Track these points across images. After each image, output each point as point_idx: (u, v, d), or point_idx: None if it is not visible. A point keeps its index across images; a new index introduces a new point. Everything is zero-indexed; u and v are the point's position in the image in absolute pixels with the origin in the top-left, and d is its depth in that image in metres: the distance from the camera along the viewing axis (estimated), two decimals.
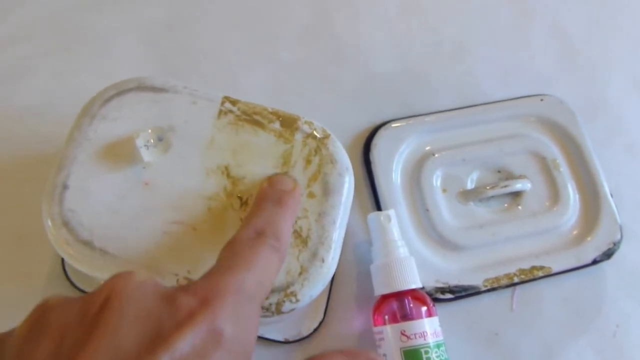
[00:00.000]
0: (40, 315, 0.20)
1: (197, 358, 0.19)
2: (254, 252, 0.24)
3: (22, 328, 0.20)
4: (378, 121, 0.44)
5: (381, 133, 0.42)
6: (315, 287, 0.29)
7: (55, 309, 0.20)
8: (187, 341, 0.19)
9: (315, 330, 0.37)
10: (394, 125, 0.43)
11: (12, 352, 0.20)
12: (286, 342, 0.36)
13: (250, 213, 0.27)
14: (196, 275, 0.27)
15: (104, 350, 0.19)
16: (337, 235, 0.30)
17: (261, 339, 0.36)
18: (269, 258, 0.25)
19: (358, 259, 0.40)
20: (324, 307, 0.37)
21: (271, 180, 0.30)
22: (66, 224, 0.28)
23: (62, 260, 0.36)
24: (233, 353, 0.20)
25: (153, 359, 0.18)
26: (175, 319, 0.20)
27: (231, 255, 0.24)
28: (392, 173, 0.41)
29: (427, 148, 0.43)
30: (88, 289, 0.35)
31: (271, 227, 0.26)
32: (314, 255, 0.29)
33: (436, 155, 0.42)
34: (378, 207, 0.41)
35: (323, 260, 0.29)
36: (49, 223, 0.28)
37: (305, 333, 0.37)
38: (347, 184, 0.31)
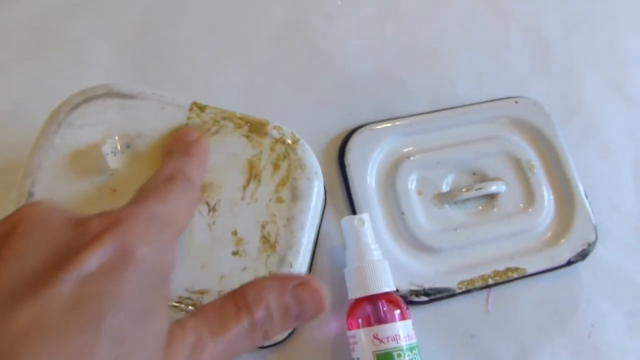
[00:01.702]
0: None
1: (106, 274, 0.19)
2: (165, 190, 0.24)
3: None
4: (353, 125, 0.44)
5: (356, 136, 0.42)
6: None
7: None
8: (95, 258, 0.19)
9: (290, 335, 0.37)
10: (369, 128, 0.43)
11: None
12: (260, 347, 0.36)
13: (160, 165, 0.28)
14: None
15: (6, 273, 0.18)
16: (305, 240, 0.30)
17: None
18: (180, 196, 0.25)
19: (333, 263, 0.40)
20: None
21: (176, 133, 0.30)
22: None
23: None
24: (146, 271, 0.20)
25: (59, 276, 0.18)
26: (83, 239, 0.20)
27: (141, 192, 0.24)
28: (367, 176, 0.42)
29: (403, 151, 0.43)
30: None
31: (181, 173, 0.26)
32: (282, 260, 0.29)
33: (411, 158, 0.42)
34: (353, 211, 0.41)
35: (291, 265, 0.29)
36: None
37: (279, 338, 0.36)
38: (316, 189, 0.31)
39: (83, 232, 0.20)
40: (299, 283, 0.25)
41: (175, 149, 0.28)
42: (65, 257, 0.19)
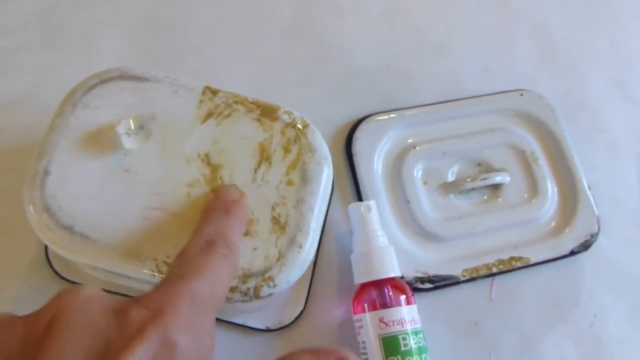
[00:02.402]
0: None
1: None
2: (206, 261, 0.24)
3: None
4: (360, 115, 0.45)
5: (363, 126, 0.43)
6: (292, 272, 0.29)
7: None
8: (138, 355, 0.18)
9: (297, 318, 0.37)
10: (376, 118, 0.43)
11: None
12: (268, 331, 0.37)
13: (198, 225, 0.27)
14: None
15: None
16: (315, 222, 0.30)
17: (243, 327, 0.36)
18: (221, 266, 0.24)
19: (339, 249, 0.40)
20: (305, 296, 0.38)
21: (217, 191, 0.29)
22: (47, 209, 0.28)
23: (46, 248, 0.37)
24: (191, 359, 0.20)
25: None
26: (125, 333, 0.19)
27: (183, 264, 0.24)
28: (374, 165, 0.42)
29: (409, 141, 0.44)
30: (70, 277, 0.36)
31: (221, 236, 0.26)
32: (292, 241, 0.30)
33: (417, 148, 0.43)
34: (360, 199, 0.41)
35: (301, 247, 0.30)
36: (31, 208, 0.29)
37: (286, 321, 0.37)
38: (326, 173, 0.31)
39: (124, 325, 0.19)
40: (336, 357, 0.24)
41: (216, 208, 0.28)
42: (108, 354, 0.18)
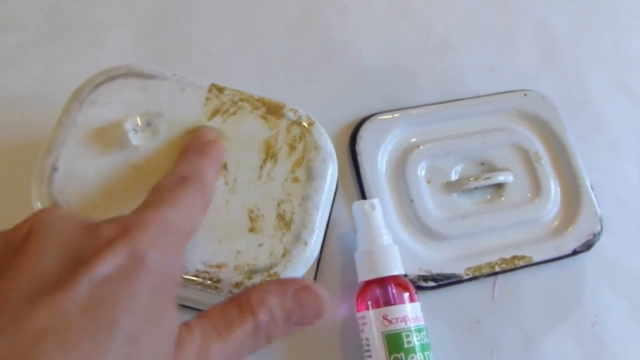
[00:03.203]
0: None
1: (119, 279, 0.20)
2: (178, 194, 0.25)
3: None
4: (364, 114, 0.45)
5: (367, 125, 0.43)
6: (297, 269, 0.29)
7: None
8: (108, 263, 0.19)
9: None
10: (380, 117, 0.44)
11: None
12: None
13: (174, 164, 0.28)
14: None
15: (23, 276, 0.19)
16: (319, 219, 0.31)
17: None
18: (194, 198, 0.25)
19: (343, 247, 0.40)
20: None
21: (193, 132, 0.30)
22: (55, 205, 0.29)
23: None
24: (157, 276, 0.21)
25: (74, 280, 0.19)
26: (96, 245, 0.20)
27: (156, 195, 0.25)
28: (378, 164, 0.42)
29: (412, 140, 0.44)
30: None
31: (195, 173, 0.26)
32: (297, 238, 0.30)
33: (421, 147, 0.43)
34: (364, 197, 0.42)
35: (306, 243, 0.30)
36: (38, 204, 0.29)
37: None
38: (331, 170, 0.32)
39: (96, 238, 0.21)
40: (299, 287, 0.25)
41: (191, 148, 0.29)
42: (79, 261, 0.20)
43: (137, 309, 0.19)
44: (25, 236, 0.20)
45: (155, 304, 0.20)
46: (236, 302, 0.24)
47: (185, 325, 0.22)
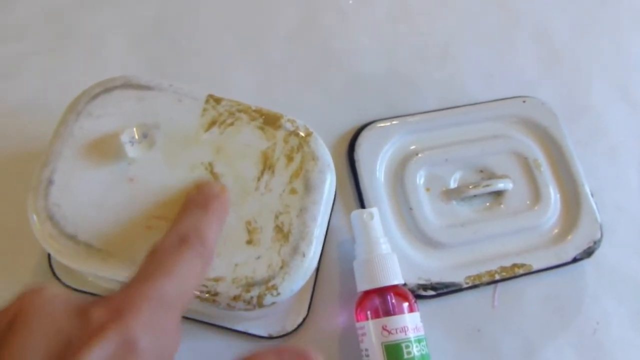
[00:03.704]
0: None
1: None
2: (176, 259, 0.23)
3: None
4: (363, 121, 0.45)
5: (366, 133, 0.43)
6: (296, 281, 0.29)
7: None
8: (97, 353, 0.18)
9: (299, 326, 0.37)
10: (378, 125, 0.44)
11: None
12: (270, 338, 0.37)
13: (175, 219, 0.27)
14: None
15: None
16: (318, 231, 0.30)
17: (245, 334, 0.36)
18: (192, 263, 0.24)
19: (342, 256, 0.40)
20: (307, 303, 0.38)
21: (198, 185, 0.29)
22: (51, 218, 0.28)
23: (49, 255, 0.37)
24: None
25: None
26: (85, 333, 0.19)
27: (151, 262, 0.24)
28: (377, 172, 0.42)
29: (411, 148, 0.44)
30: (73, 285, 0.36)
31: (195, 232, 0.25)
32: (295, 249, 0.30)
33: (420, 155, 0.43)
34: (362, 206, 0.41)
35: (304, 255, 0.30)
36: (34, 217, 0.29)
37: (289, 329, 0.37)
38: (329, 181, 0.32)
39: (85, 324, 0.19)
40: (295, 355, 0.24)
41: (194, 202, 0.28)
42: (68, 350, 0.19)
43: None
44: (11, 320, 0.19)
45: None
46: None
47: None
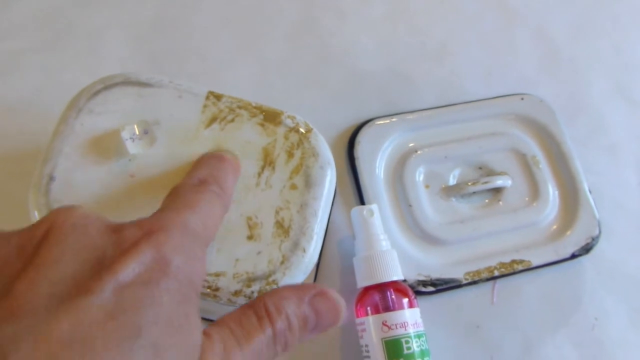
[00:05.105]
0: None
1: (142, 285, 0.19)
2: (198, 197, 0.24)
3: None
4: (362, 119, 0.45)
5: (365, 130, 0.43)
6: (296, 276, 0.29)
7: None
8: (132, 268, 0.19)
9: None
10: (378, 122, 0.44)
11: None
12: None
13: (191, 169, 0.28)
14: None
15: (43, 278, 0.18)
16: (318, 226, 0.30)
17: None
18: (212, 202, 0.25)
19: (342, 253, 0.40)
20: None
21: (211, 152, 0.31)
22: None
23: None
24: (180, 282, 0.20)
25: (97, 285, 0.18)
26: (119, 248, 0.19)
27: (175, 198, 0.24)
28: (376, 169, 0.42)
29: (410, 145, 0.44)
30: None
31: (214, 177, 0.26)
32: (296, 245, 0.30)
33: (419, 152, 0.43)
34: (362, 203, 0.42)
35: (304, 250, 0.30)
36: (36, 214, 0.29)
37: None
38: (329, 177, 0.32)
39: (119, 241, 0.20)
40: (315, 293, 0.25)
41: (211, 156, 0.29)
42: (102, 265, 0.19)
43: (162, 318, 0.19)
44: (43, 236, 0.19)
45: (179, 312, 0.19)
46: (253, 309, 0.23)
47: (205, 334, 0.21)
